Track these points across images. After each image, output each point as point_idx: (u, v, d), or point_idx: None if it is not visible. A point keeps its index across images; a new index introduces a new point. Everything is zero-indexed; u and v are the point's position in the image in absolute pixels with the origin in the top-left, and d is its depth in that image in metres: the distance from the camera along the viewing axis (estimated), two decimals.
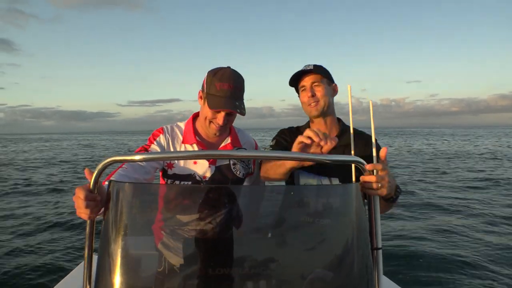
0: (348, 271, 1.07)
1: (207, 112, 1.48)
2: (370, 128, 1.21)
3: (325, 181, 1.54)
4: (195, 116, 1.64)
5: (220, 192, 1.10)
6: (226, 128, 1.58)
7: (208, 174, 1.55)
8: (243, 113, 1.47)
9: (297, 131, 1.65)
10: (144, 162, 1.40)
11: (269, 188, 1.22)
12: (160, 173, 1.58)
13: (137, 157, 0.98)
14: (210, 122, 1.51)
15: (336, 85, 1.62)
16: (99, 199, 1.04)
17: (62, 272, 4.36)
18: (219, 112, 1.47)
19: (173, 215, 1.05)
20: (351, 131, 1.28)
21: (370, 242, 1.10)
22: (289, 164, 1.23)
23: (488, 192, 9.74)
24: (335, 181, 1.52)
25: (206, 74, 1.51)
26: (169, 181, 1.54)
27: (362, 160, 1.08)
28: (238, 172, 1.62)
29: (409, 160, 19.05)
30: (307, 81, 1.56)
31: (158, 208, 1.07)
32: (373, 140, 1.24)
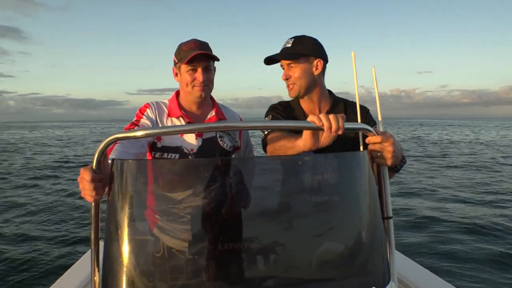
0: (360, 241, 1.04)
1: (185, 77, 1.57)
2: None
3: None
4: (178, 93, 1.70)
5: (225, 165, 1.03)
6: (209, 89, 1.62)
7: (195, 147, 1.60)
8: (216, 57, 1.57)
9: (288, 105, 1.61)
10: None
11: (273, 159, 1.20)
12: (148, 147, 1.59)
13: (139, 133, 0.94)
14: (193, 86, 1.57)
15: (319, 60, 1.48)
16: (104, 179, 1.00)
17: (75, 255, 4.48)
18: (196, 70, 1.54)
19: (174, 192, 0.99)
20: (357, 100, 1.24)
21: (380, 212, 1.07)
22: (301, 148, 1.12)
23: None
24: None
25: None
26: (157, 154, 1.57)
27: (369, 128, 1.05)
28: (225, 145, 1.66)
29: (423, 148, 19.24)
30: (283, 62, 1.50)
31: (159, 186, 1.01)
32: (378, 111, 1.20)
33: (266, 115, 1.59)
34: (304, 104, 1.57)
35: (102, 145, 0.93)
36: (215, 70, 1.66)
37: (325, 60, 1.51)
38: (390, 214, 1.10)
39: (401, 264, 1.87)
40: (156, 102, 1.65)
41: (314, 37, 1.51)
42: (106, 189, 1.01)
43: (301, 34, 1.52)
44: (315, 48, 1.49)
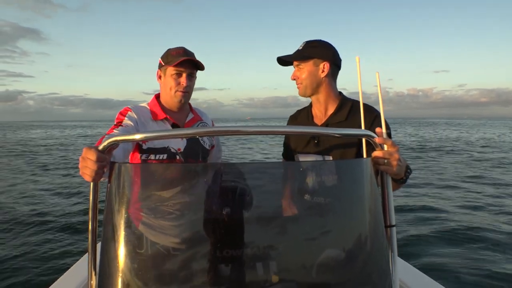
0: (362, 250, 1.03)
1: (169, 81, 1.64)
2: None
3: (319, 159, 1.55)
4: (157, 96, 1.75)
5: (226, 169, 1.05)
6: (189, 96, 1.70)
7: (182, 146, 1.66)
8: (202, 66, 1.65)
9: (299, 114, 1.76)
10: None
11: (274, 164, 1.20)
12: (133, 149, 1.61)
13: (137, 137, 0.94)
14: (176, 91, 1.64)
15: (326, 63, 1.54)
16: (107, 162, 1.00)
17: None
18: (180, 75, 1.63)
19: (172, 196, 0.98)
20: (361, 107, 1.24)
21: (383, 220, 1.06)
22: None
23: None
24: (328, 159, 1.53)
25: (159, 62, 1.69)
26: (144, 155, 1.61)
27: (373, 134, 1.04)
28: (205, 144, 1.76)
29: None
30: (294, 63, 1.61)
31: (150, 188, 1.02)
32: (382, 117, 1.19)
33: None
34: (314, 105, 1.68)
35: (100, 148, 0.95)
36: (196, 79, 1.74)
37: (334, 63, 1.57)
38: (393, 222, 1.09)
39: (404, 272, 1.85)
40: (135, 106, 1.70)
41: (328, 42, 1.60)
42: (106, 172, 1.00)
43: (314, 38, 1.61)
44: (324, 52, 1.57)
